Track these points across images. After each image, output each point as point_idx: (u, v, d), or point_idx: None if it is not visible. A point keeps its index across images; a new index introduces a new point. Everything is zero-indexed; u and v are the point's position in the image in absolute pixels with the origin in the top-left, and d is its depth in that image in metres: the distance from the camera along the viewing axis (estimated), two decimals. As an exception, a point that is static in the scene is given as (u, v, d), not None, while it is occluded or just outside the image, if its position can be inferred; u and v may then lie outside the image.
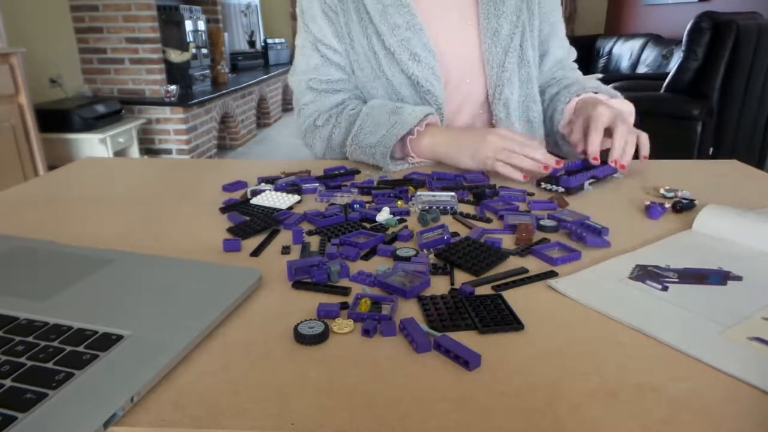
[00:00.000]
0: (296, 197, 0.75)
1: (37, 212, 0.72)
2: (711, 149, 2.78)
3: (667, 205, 0.72)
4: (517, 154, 0.82)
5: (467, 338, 0.43)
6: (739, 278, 0.53)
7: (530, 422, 0.35)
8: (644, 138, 0.87)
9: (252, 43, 6.46)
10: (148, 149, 3.95)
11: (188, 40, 4.36)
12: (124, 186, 0.83)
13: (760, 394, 0.37)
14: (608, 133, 0.85)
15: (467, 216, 0.70)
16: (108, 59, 3.88)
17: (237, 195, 0.79)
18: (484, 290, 0.51)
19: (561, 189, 0.78)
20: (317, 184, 0.81)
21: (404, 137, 0.90)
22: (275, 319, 0.46)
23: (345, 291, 0.51)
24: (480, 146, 0.84)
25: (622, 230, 0.65)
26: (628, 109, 0.97)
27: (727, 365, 0.40)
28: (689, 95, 2.77)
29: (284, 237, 0.64)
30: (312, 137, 1.02)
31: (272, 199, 0.74)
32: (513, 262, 0.57)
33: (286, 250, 0.60)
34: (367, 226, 0.66)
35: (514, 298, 0.49)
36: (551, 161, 0.81)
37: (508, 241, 0.62)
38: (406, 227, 0.66)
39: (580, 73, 1.12)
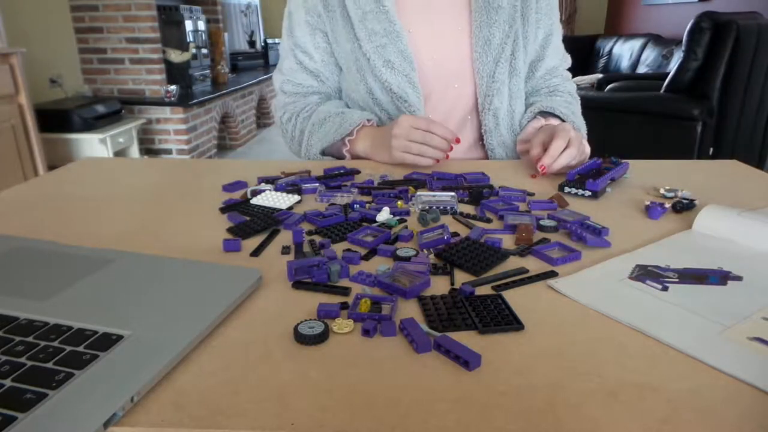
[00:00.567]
0: (296, 197, 0.75)
1: (37, 212, 0.72)
2: (711, 149, 2.78)
3: (667, 205, 0.72)
4: (418, 144, 0.87)
5: (467, 338, 0.43)
6: (739, 278, 0.53)
7: (530, 422, 0.35)
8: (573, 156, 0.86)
9: (252, 43, 6.45)
10: (148, 149, 3.94)
11: (188, 40, 4.36)
12: (124, 186, 0.83)
13: (760, 394, 0.37)
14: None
15: (467, 216, 0.70)
16: (108, 59, 3.88)
17: (237, 195, 0.79)
18: (484, 290, 0.51)
19: (588, 193, 0.76)
20: (317, 184, 0.81)
21: (344, 139, 0.98)
22: (275, 319, 0.46)
23: (345, 291, 0.51)
24: (389, 141, 0.89)
25: (622, 230, 0.65)
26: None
27: (727, 365, 0.40)
28: (689, 95, 2.77)
29: (284, 237, 0.64)
30: (282, 132, 1.10)
31: (272, 199, 0.74)
32: (513, 262, 0.57)
33: (286, 250, 0.60)
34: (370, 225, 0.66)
35: (514, 298, 0.49)
36: (445, 145, 0.86)
37: (508, 241, 0.62)
38: (406, 227, 0.66)
39: (571, 84, 1.11)
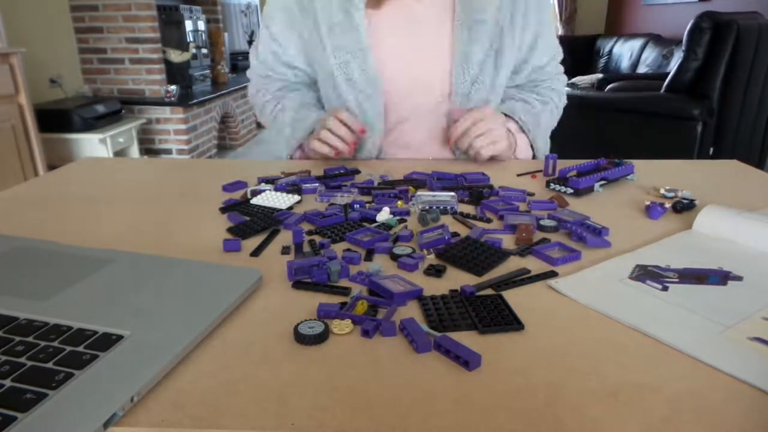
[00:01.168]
0: (296, 197, 0.75)
1: (37, 212, 0.72)
2: (711, 149, 2.78)
3: (667, 205, 0.72)
4: (325, 130, 0.89)
5: (467, 338, 0.43)
6: (739, 278, 0.53)
7: (530, 422, 0.35)
8: (487, 144, 0.91)
9: (252, 43, 6.46)
10: (148, 149, 3.94)
11: (188, 40, 4.36)
12: (124, 186, 0.83)
13: (760, 394, 0.37)
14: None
15: (467, 216, 0.70)
16: (108, 59, 3.88)
17: (237, 195, 0.79)
18: (484, 290, 0.51)
19: (570, 191, 0.78)
20: (317, 184, 0.81)
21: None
22: (275, 319, 0.46)
23: (345, 291, 0.51)
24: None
25: (622, 230, 0.65)
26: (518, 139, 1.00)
27: (727, 365, 0.40)
28: (689, 95, 2.77)
29: (284, 237, 0.64)
30: (253, 103, 1.14)
31: (272, 199, 0.74)
32: (513, 262, 0.57)
33: (286, 250, 0.60)
34: (369, 225, 0.66)
35: (514, 298, 0.49)
36: (349, 136, 0.89)
37: (508, 241, 0.62)
38: (406, 227, 0.66)
39: (558, 81, 1.09)
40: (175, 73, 4.20)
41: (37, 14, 3.38)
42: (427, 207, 0.71)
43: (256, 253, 0.59)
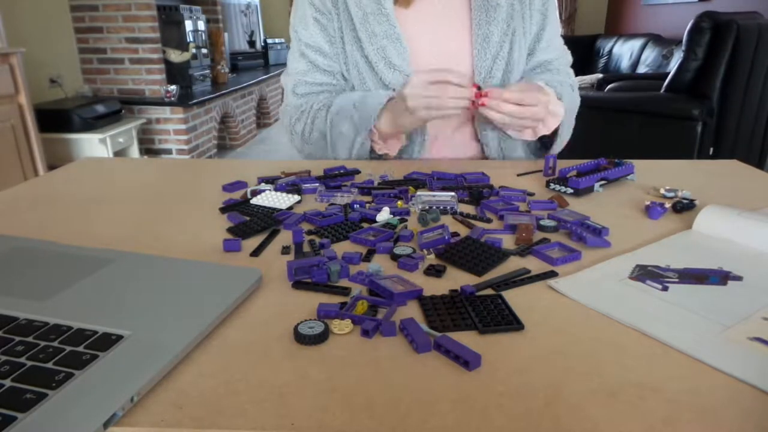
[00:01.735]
0: (296, 197, 0.75)
1: (37, 212, 0.72)
2: (711, 149, 2.78)
3: (667, 205, 0.72)
4: (438, 98, 0.85)
5: (467, 338, 0.43)
6: (739, 278, 0.53)
7: (530, 422, 0.35)
8: (534, 111, 0.87)
9: (252, 43, 6.45)
10: (148, 149, 3.94)
11: (188, 40, 4.36)
12: (124, 186, 0.83)
13: (760, 394, 0.37)
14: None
15: (467, 216, 0.70)
16: (108, 59, 3.88)
17: (237, 195, 0.79)
18: (484, 290, 0.51)
19: (570, 191, 0.78)
20: (317, 184, 0.80)
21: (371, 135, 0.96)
22: (275, 319, 0.46)
23: (345, 291, 0.51)
24: (407, 107, 0.87)
25: (622, 230, 0.65)
26: (555, 106, 0.97)
27: (727, 365, 0.40)
28: (689, 95, 2.77)
29: (284, 237, 0.64)
30: (290, 135, 1.08)
31: (272, 199, 0.74)
32: (513, 262, 0.57)
33: (286, 250, 0.60)
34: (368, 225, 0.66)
35: (514, 298, 0.49)
36: (464, 91, 0.84)
37: (508, 241, 0.62)
38: (406, 227, 0.66)
39: (567, 76, 1.09)
40: (175, 73, 4.20)
41: (37, 14, 3.38)
42: (427, 207, 0.71)
43: (256, 253, 0.59)
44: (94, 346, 0.40)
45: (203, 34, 4.68)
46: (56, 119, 3.17)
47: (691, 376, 0.39)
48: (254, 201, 0.74)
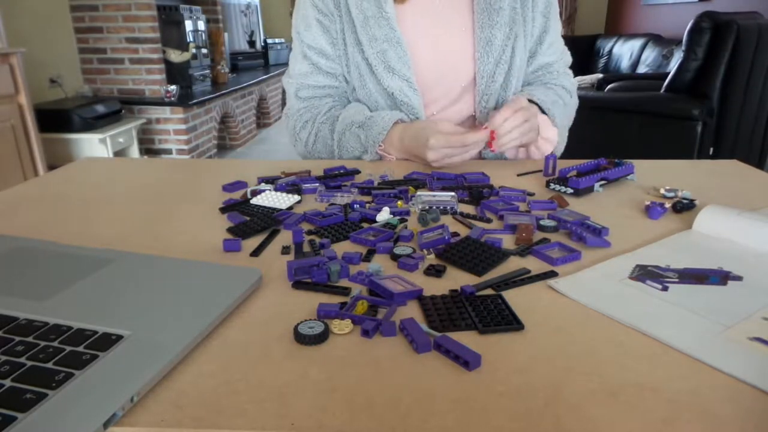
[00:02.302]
0: (296, 197, 0.75)
1: (37, 212, 0.72)
2: (711, 149, 2.78)
3: (667, 205, 0.72)
4: (457, 151, 0.86)
5: (467, 338, 0.43)
6: (739, 278, 0.53)
7: (530, 422, 0.35)
8: (531, 138, 0.92)
9: (252, 43, 6.45)
10: (148, 149, 3.94)
11: (188, 40, 4.36)
12: (124, 186, 0.83)
13: (760, 394, 0.37)
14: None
15: (467, 216, 0.70)
16: (108, 59, 3.88)
17: (237, 195, 0.79)
18: (484, 290, 0.51)
19: (570, 191, 0.78)
20: (317, 184, 0.80)
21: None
22: (275, 319, 0.46)
23: (345, 291, 0.51)
24: (424, 152, 0.87)
25: (622, 230, 0.65)
26: (548, 132, 0.99)
27: (727, 365, 0.40)
28: (689, 95, 2.77)
29: (284, 237, 0.64)
30: (294, 140, 1.08)
31: (272, 199, 0.74)
32: (513, 262, 0.57)
33: (286, 250, 0.60)
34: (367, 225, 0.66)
35: (514, 298, 0.49)
36: (481, 139, 0.85)
37: (508, 241, 0.62)
38: (406, 227, 0.66)
39: (567, 78, 1.10)
40: (175, 73, 4.20)
41: (37, 14, 3.38)
42: (427, 207, 0.71)
43: (256, 253, 0.59)
44: (94, 346, 0.40)
45: (203, 34, 4.68)
46: (56, 119, 3.17)
47: (691, 376, 0.39)
48: (254, 201, 0.74)
